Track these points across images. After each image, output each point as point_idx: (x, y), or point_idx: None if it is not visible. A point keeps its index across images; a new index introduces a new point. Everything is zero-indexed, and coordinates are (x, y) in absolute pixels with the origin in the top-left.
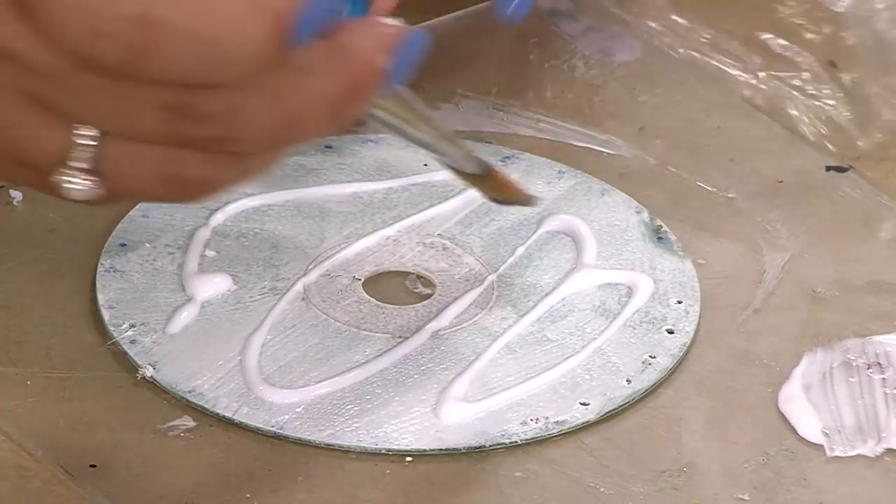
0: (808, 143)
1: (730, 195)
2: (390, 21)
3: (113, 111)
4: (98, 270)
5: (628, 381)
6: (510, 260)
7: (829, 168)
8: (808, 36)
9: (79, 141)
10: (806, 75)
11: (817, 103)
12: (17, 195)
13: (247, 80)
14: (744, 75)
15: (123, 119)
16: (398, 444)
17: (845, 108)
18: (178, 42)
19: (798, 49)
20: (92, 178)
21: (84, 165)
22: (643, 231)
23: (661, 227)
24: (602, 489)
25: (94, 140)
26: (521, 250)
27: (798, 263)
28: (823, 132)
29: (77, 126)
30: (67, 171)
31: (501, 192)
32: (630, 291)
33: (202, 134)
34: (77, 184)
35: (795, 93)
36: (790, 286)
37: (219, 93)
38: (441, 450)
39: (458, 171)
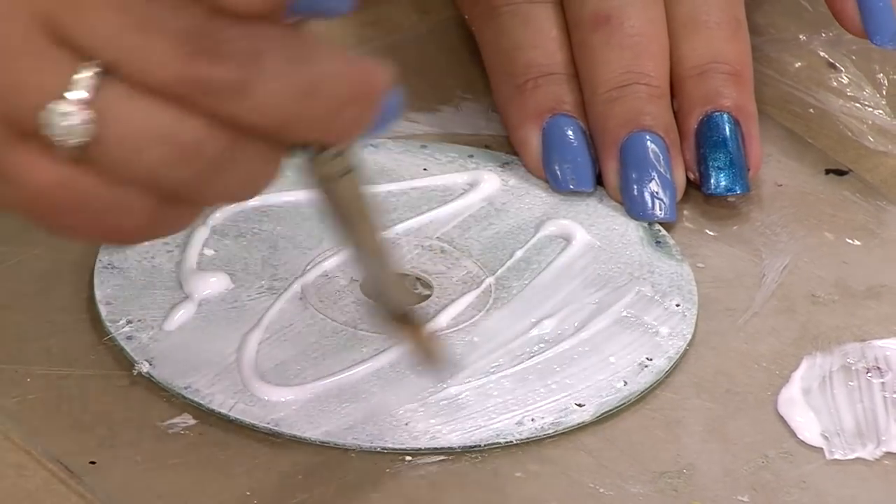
0: (808, 145)
1: (729, 198)
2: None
3: (127, 39)
4: (96, 267)
5: (625, 382)
6: (508, 263)
7: (828, 171)
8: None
9: (81, 75)
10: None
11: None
12: None
13: (273, 18)
14: None
15: (136, 49)
16: (394, 444)
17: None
18: None
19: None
20: (88, 113)
21: (84, 96)
22: (641, 235)
23: (659, 230)
24: (601, 490)
25: (97, 77)
26: (519, 254)
27: (797, 267)
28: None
29: (83, 60)
30: (62, 105)
31: (419, 344)
32: (627, 294)
33: (215, 75)
34: (71, 117)
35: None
36: (789, 290)
37: (242, 29)
38: (437, 449)
39: (378, 303)
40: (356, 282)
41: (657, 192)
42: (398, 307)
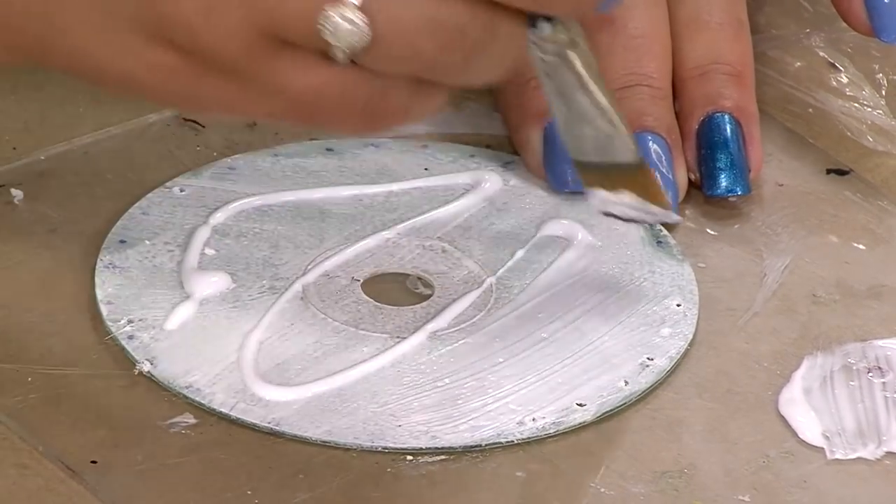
0: (809, 145)
1: (730, 198)
2: None
3: None
4: (97, 266)
5: (626, 382)
6: (509, 263)
7: (829, 171)
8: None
9: None
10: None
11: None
12: (17, 194)
13: None
14: None
15: None
16: (394, 443)
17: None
18: None
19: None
20: (363, 15)
21: (358, 1)
22: (642, 235)
23: (660, 231)
24: (602, 490)
25: None
26: (520, 254)
27: (798, 267)
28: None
29: None
30: (339, 10)
31: (646, 192)
32: (628, 294)
33: None
34: (350, 21)
35: (797, 94)
36: (790, 290)
37: None
38: (437, 448)
39: (604, 159)
40: (357, 281)
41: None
42: (629, 158)
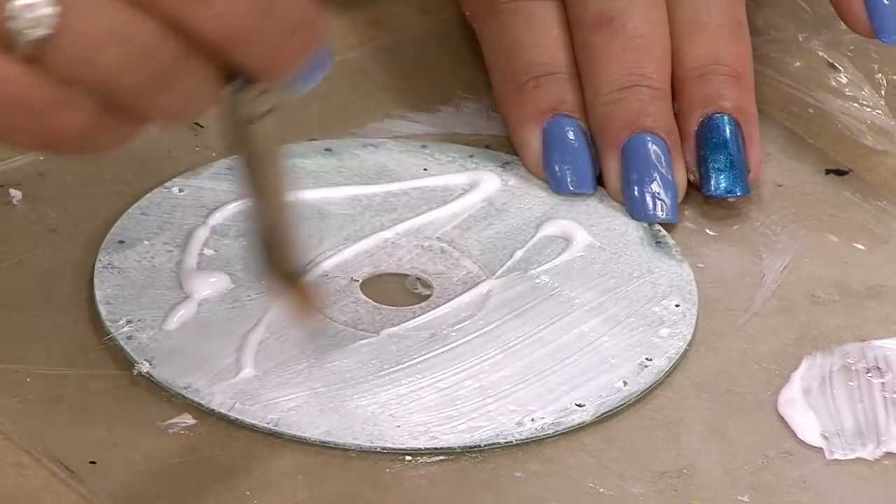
0: (808, 145)
1: (728, 199)
2: None
3: None
4: (96, 266)
5: (624, 382)
6: (508, 263)
7: (828, 171)
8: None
9: None
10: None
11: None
12: (16, 194)
13: None
14: None
15: None
16: (394, 444)
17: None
18: None
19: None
20: (53, 7)
21: None
22: (641, 235)
23: (659, 231)
24: (601, 490)
25: None
26: (519, 254)
27: (797, 267)
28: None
29: None
30: None
31: (298, 305)
32: (627, 294)
33: None
34: (36, 9)
35: (796, 94)
36: (789, 290)
37: None
38: (437, 449)
39: (267, 256)
40: (356, 282)
41: (658, 193)
42: (287, 262)
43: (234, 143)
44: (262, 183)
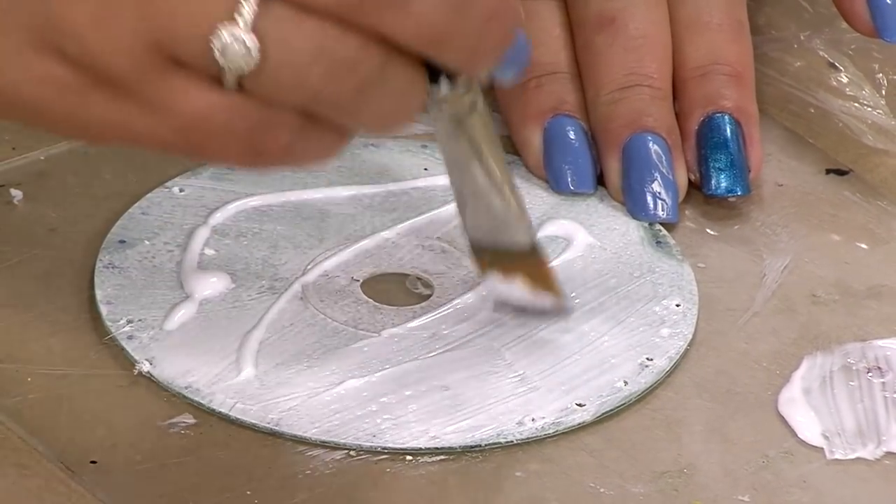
0: (808, 145)
1: (729, 198)
2: None
3: None
4: (97, 266)
5: (625, 382)
6: None
7: (828, 171)
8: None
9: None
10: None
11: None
12: (17, 194)
13: None
14: None
15: None
16: (394, 443)
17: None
18: None
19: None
20: (254, 38)
21: (250, 20)
22: (642, 235)
23: (660, 230)
24: (602, 490)
25: (261, 1)
26: None
27: (798, 267)
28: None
29: None
30: (232, 30)
31: (537, 281)
32: (627, 294)
33: None
34: (239, 43)
35: (797, 93)
36: (790, 290)
37: None
38: (437, 449)
39: (496, 241)
40: (356, 281)
41: (659, 193)
42: (528, 237)
43: (449, 142)
44: (484, 170)
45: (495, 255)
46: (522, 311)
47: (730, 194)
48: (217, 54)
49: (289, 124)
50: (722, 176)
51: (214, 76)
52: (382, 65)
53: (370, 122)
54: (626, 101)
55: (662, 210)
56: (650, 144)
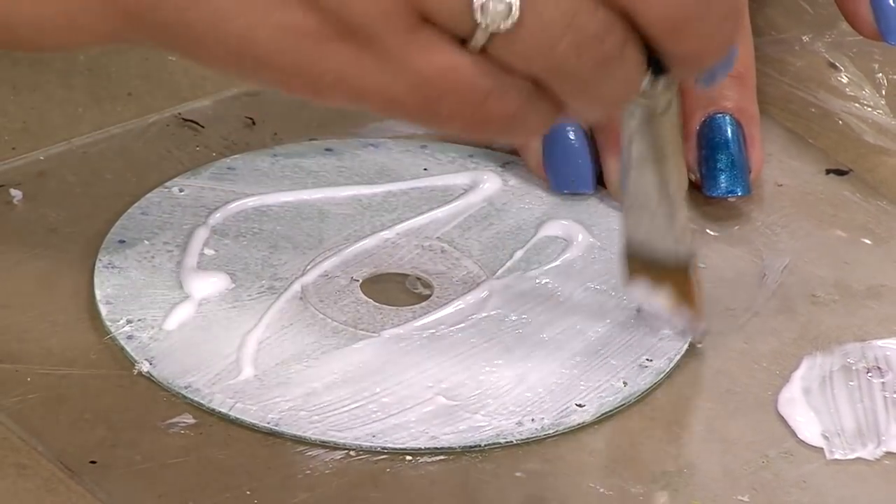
0: (809, 145)
1: (729, 198)
2: None
3: None
4: (96, 266)
5: (625, 383)
6: (508, 263)
7: (828, 171)
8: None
9: None
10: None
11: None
12: (16, 194)
13: None
14: None
15: None
16: (394, 443)
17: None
18: None
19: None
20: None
21: None
22: None
23: None
24: (602, 490)
25: None
26: (519, 254)
27: (798, 267)
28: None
29: None
30: None
31: (681, 296)
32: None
33: None
34: (502, 1)
35: (797, 93)
36: (790, 290)
37: None
38: (437, 449)
39: (656, 248)
40: (356, 282)
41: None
42: (686, 252)
43: (635, 137)
44: (663, 173)
45: (645, 263)
46: (661, 322)
47: (730, 195)
48: (476, 11)
49: (520, 93)
50: (722, 176)
51: (460, 36)
52: (623, 44)
53: (595, 100)
54: None
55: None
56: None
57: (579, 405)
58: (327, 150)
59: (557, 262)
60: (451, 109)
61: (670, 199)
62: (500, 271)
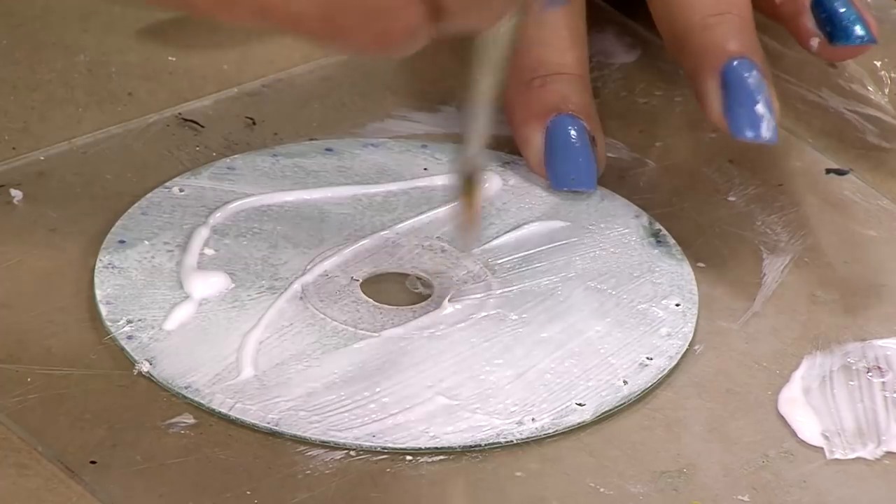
0: (809, 144)
1: (729, 198)
2: None
3: None
4: (96, 266)
5: (625, 382)
6: (508, 263)
7: (828, 171)
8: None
9: None
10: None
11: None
12: (16, 194)
13: None
14: None
15: None
16: (394, 443)
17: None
18: None
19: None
20: None
21: None
22: (642, 235)
23: (659, 230)
24: (602, 489)
25: None
26: (519, 254)
27: (798, 266)
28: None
29: None
30: None
31: (466, 204)
32: (627, 294)
33: None
34: None
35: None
36: (790, 289)
37: None
38: (437, 449)
39: (464, 158)
40: (356, 281)
41: (764, 115)
42: (467, 165)
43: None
44: (482, 79)
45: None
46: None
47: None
48: None
49: (420, 10)
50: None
51: None
52: None
53: (472, 20)
54: (716, 27)
55: (767, 130)
56: (744, 72)
57: (579, 404)
58: (327, 150)
59: (558, 262)
60: (352, 22)
61: (476, 109)
62: (500, 271)
